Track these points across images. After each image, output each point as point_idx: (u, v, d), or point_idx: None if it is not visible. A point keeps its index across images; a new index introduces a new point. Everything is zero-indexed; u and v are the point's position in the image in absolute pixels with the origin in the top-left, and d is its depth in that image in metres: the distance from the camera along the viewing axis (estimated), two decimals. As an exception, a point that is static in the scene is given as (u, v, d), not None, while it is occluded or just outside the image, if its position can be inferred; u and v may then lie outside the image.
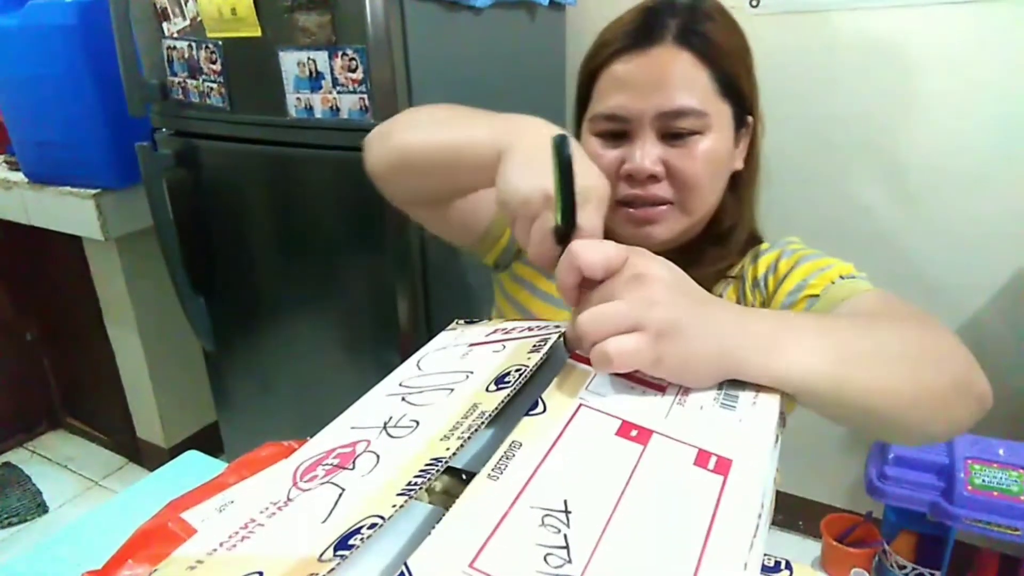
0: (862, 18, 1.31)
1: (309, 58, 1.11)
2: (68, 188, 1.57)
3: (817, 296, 0.64)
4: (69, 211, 1.58)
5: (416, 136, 0.69)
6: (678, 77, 0.66)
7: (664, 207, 0.69)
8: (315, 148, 1.19)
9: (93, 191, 1.53)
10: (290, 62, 1.13)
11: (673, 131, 0.67)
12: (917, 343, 0.49)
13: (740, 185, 0.75)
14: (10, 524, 1.82)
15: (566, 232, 0.47)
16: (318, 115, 1.15)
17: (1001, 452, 1.25)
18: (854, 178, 1.42)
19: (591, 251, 0.42)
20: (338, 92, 1.11)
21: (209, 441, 1.88)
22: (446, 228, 0.81)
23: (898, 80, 1.32)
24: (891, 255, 1.42)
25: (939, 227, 1.37)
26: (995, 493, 1.19)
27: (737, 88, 0.69)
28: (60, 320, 2.00)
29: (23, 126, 1.59)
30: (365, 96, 1.09)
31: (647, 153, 0.66)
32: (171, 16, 1.24)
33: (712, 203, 0.72)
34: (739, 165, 0.74)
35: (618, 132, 0.69)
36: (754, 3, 1.37)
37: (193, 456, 0.88)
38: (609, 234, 0.72)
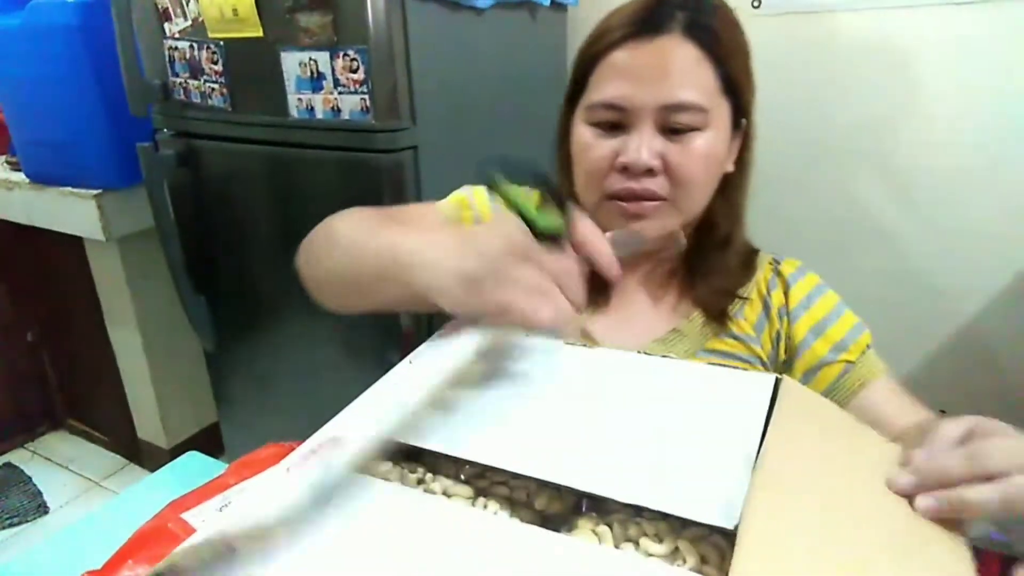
0: (863, 18, 1.31)
1: (310, 59, 1.11)
2: (69, 188, 1.57)
3: (853, 363, 0.68)
4: (70, 211, 1.58)
5: (328, 265, 0.64)
6: (683, 70, 0.64)
7: (657, 203, 0.67)
8: (316, 149, 1.19)
9: (94, 191, 1.53)
10: (291, 62, 1.13)
11: (673, 125, 0.64)
12: None
13: (730, 188, 0.73)
14: (11, 525, 1.81)
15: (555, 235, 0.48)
16: (319, 116, 1.15)
17: (1002, 454, 1.25)
18: (854, 178, 1.42)
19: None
20: (339, 93, 1.11)
21: (209, 441, 1.88)
22: None
23: (898, 80, 1.32)
24: (891, 255, 1.42)
25: (939, 227, 1.37)
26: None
27: (738, 87, 0.68)
28: (61, 320, 2.00)
29: (24, 126, 1.59)
30: (366, 97, 1.09)
31: (646, 146, 0.64)
32: (172, 16, 1.24)
33: (703, 203, 0.70)
34: (730, 167, 0.72)
35: (615, 122, 0.66)
36: (755, 3, 1.37)
37: (193, 457, 0.88)
38: (598, 228, 0.74)
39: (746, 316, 0.72)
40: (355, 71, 1.08)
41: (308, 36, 1.10)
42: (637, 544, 0.39)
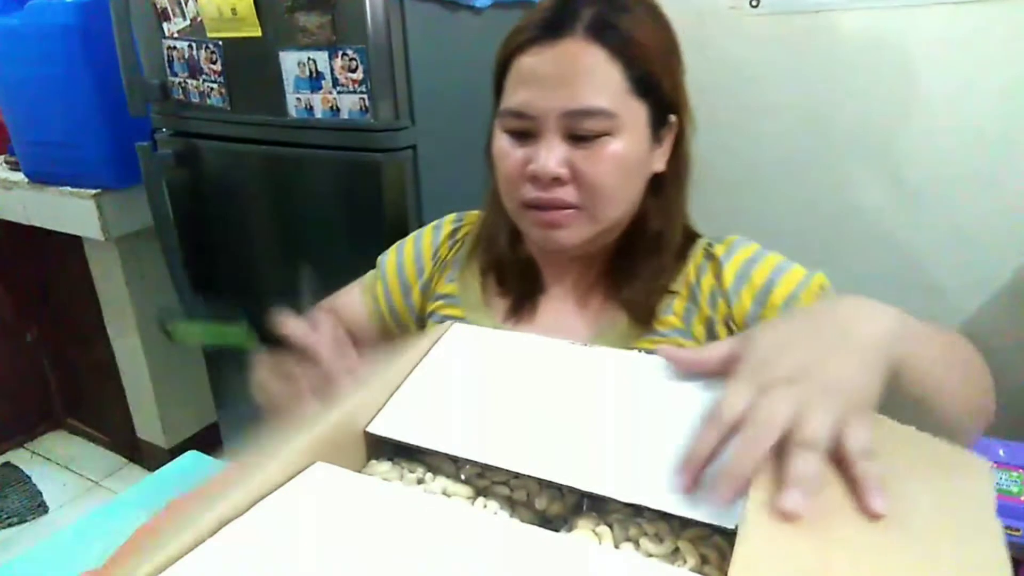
0: (862, 18, 1.31)
1: (309, 58, 1.11)
2: (68, 188, 1.56)
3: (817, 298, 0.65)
4: (69, 211, 1.58)
5: None
6: (586, 74, 0.61)
7: (570, 211, 0.64)
8: (315, 148, 1.19)
9: (93, 191, 1.53)
10: (290, 62, 1.13)
11: (579, 132, 0.62)
12: (965, 351, 0.54)
13: (664, 187, 0.70)
14: (10, 524, 1.81)
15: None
16: (318, 115, 1.15)
17: (1001, 453, 1.25)
18: (853, 178, 1.42)
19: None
20: (338, 92, 1.11)
21: (209, 441, 1.88)
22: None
23: (898, 80, 1.32)
24: (891, 255, 1.42)
25: (939, 227, 1.37)
26: (995, 494, 1.19)
27: (655, 86, 0.64)
28: (60, 320, 2.00)
29: (23, 126, 1.59)
30: (365, 96, 1.09)
31: (552, 155, 0.62)
32: (171, 16, 1.24)
33: (624, 209, 0.67)
34: (659, 167, 0.68)
35: (524, 130, 0.64)
36: (754, 3, 1.37)
37: (193, 456, 0.88)
38: (520, 237, 0.74)
39: (675, 310, 0.69)
40: (354, 71, 1.08)
41: (307, 36, 1.10)
42: (637, 544, 0.39)
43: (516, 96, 0.64)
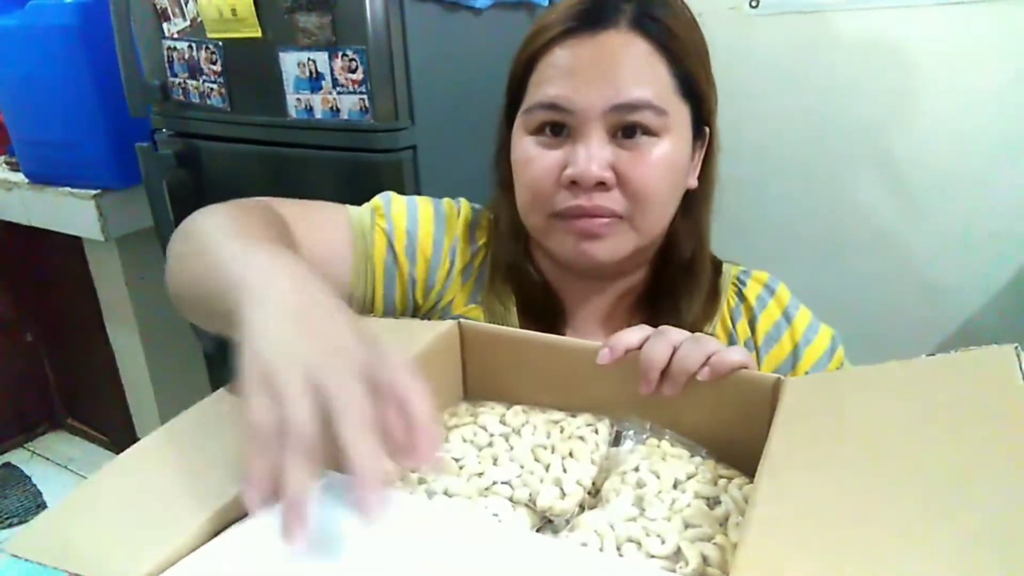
0: (862, 18, 1.31)
1: (309, 59, 1.11)
2: (68, 188, 1.56)
3: None
4: (69, 211, 1.58)
5: (179, 278, 0.54)
6: (633, 66, 0.56)
7: (611, 220, 0.58)
8: (315, 149, 1.19)
9: (93, 191, 1.53)
10: (290, 63, 1.13)
11: (627, 125, 0.56)
12: None
13: (694, 206, 0.64)
14: (10, 525, 1.81)
15: None
16: (318, 116, 1.15)
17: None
18: (854, 178, 1.42)
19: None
20: (338, 93, 1.11)
21: (209, 441, 1.87)
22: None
23: (898, 80, 1.32)
24: (891, 255, 1.42)
25: (939, 227, 1.37)
26: None
27: (698, 90, 0.60)
28: (60, 320, 2.00)
29: (23, 126, 1.59)
30: (365, 97, 1.09)
31: (594, 155, 0.55)
32: (171, 16, 1.24)
33: (663, 223, 0.61)
34: (693, 183, 0.63)
35: (558, 126, 0.58)
36: (754, 3, 1.37)
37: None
38: (544, 258, 0.66)
39: (717, 336, 0.65)
40: (354, 71, 1.08)
41: (307, 36, 1.10)
42: (639, 544, 0.39)
43: (550, 89, 0.57)
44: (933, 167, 1.34)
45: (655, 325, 0.61)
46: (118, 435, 2.04)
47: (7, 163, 1.78)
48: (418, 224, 0.67)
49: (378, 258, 0.65)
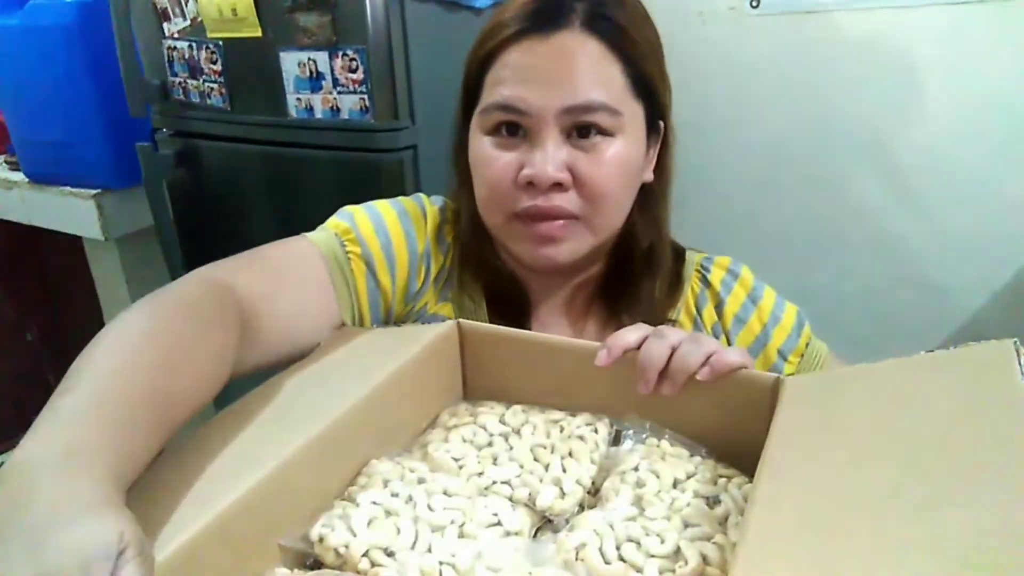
0: (862, 18, 1.31)
1: (309, 58, 1.11)
2: (68, 188, 1.56)
3: (802, 356, 0.67)
4: (69, 211, 1.58)
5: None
6: (587, 68, 0.56)
7: (565, 222, 0.59)
8: (315, 148, 1.19)
9: (93, 191, 1.53)
10: (290, 62, 1.13)
11: (581, 126, 0.57)
12: None
13: (651, 200, 0.65)
14: (10, 524, 1.81)
15: None
16: (318, 115, 1.15)
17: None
18: (854, 178, 1.42)
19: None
20: (338, 92, 1.11)
21: (209, 441, 1.87)
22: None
23: (898, 80, 1.32)
24: (891, 255, 1.42)
25: (939, 227, 1.37)
26: None
27: (651, 87, 0.60)
28: (60, 320, 2.00)
29: (23, 126, 1.59)
30: (365, 96, 1.09)
31: (550, 157, 0.56)
32: (171, 16, 1.24)
33: (620, 220, 0.63)
34: (649, 177, 0.64)
35: (513, 127, 0.58)
36: (754, 3, 1.37)
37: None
38: (506, 253, 0.67)
39: (682, 325, 0.66)
40: (354, 71, 1.08)
41: (307, 36, 1.10)
42: (639, 544, 0.39)
43: (504, 90, 0.57)
44: (934, 167, 1.34)
45: (615, 313, 0.64)
46: (118, 435, 2.03)
47: (7, 163, 1.78)
48: (390, 237, 0.65)
49: (360, 287, 0.63)
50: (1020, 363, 0.37)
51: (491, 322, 0.65)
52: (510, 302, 0.67)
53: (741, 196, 1.51)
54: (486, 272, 0.67)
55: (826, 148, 1.42)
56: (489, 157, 0.59)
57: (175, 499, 0.36)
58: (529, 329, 0.64)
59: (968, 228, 1.34)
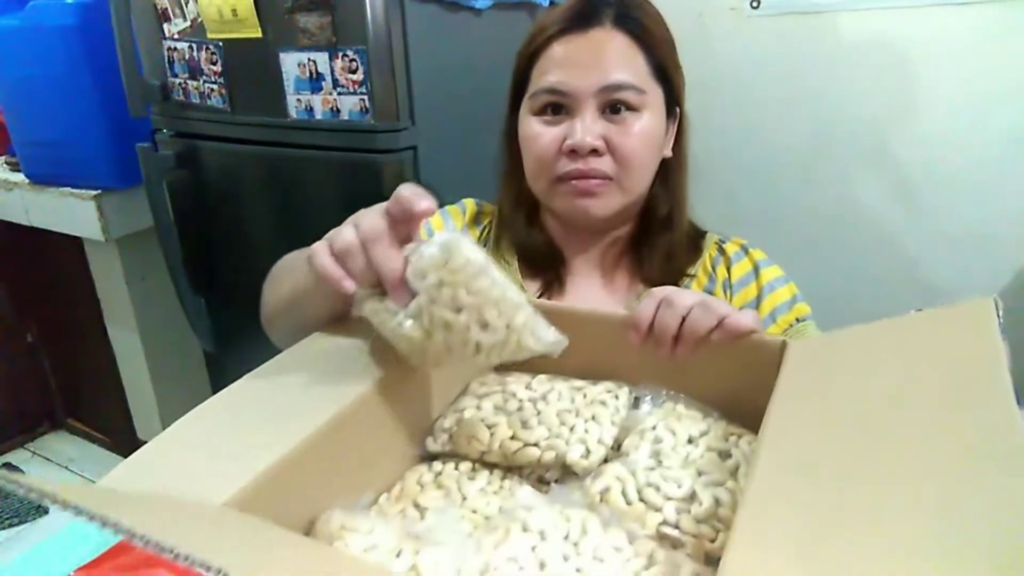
0: (863, 19, 1.31)
1: (309, 59, 1.11)
2: (69, 189, 1.56)
3: (791, 327, 0.75)
4: (70, 212, 1.58)
5: (272, 297, 0.66)
6: (616, 56, 0.70)
7: (603, 181, 0.72)
8: (315, 149, 1.19)
9: (94, 192, 1.53)
10: (290, 63, 1.13)
11: (613, 102, 0.70)
12: None
13: (669, 173, 0.78)
14: (10, 525, 1.81)
15: None
16: (318, 116, 1.15)
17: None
18: (855, 179, 1.42)
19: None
20: (338, 93, 1.11)
21: (209, 441, 1.87)
22: None
23: (899, 81, 1.32)
24: (892, 255, 1.42)
25: (940, 228, 1.37)
26: None
27: (668, 74, 0.74)
28: (60, 320, 2.00)
29: (23, 126, 1.59)
30: (365, 97, 1.09)
31: (588, 128, 0.69)
32: (171, 17, 1.24)
33: (645, 183, 0.75)
34: (668, 152, 0.77)
35: (557, 107, 0.72)
36: (755, 4, 1.37)
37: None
38: (548, 214, 0.81)
39: (694, 290, 0.77)
40: (354, 72, 1.08)
41: (307, 37, 1.10)
42: (658, 488, 0.43)
43: (551, 77, 0.71)
44: (934, 167, 1.34)
45: (640, 268, 0.79)
46: (118, 435, 2.04)
47: (7, 163, 1.79)
48: (430, 223, 0.80)
49: None
50: (999, 316, 0.43)
51: (522, 279, 0.79)
52: (548, 260, 0.80)
53: (741, 196, 1.51)
54: (522, 235, 0.80)
55: (826, 148, 1.43)
56: (538, 132, 0.72)
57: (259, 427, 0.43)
58: (566, 282, 0.79)
59: (968, 228, 1.34)
